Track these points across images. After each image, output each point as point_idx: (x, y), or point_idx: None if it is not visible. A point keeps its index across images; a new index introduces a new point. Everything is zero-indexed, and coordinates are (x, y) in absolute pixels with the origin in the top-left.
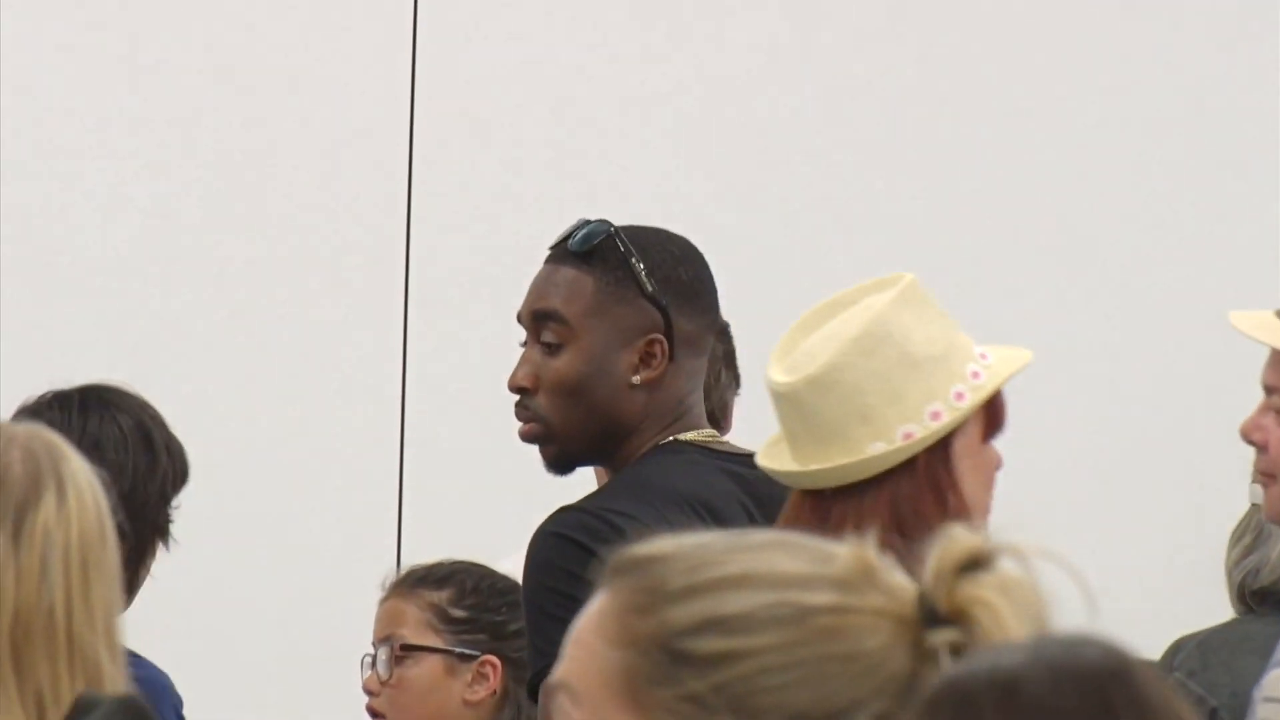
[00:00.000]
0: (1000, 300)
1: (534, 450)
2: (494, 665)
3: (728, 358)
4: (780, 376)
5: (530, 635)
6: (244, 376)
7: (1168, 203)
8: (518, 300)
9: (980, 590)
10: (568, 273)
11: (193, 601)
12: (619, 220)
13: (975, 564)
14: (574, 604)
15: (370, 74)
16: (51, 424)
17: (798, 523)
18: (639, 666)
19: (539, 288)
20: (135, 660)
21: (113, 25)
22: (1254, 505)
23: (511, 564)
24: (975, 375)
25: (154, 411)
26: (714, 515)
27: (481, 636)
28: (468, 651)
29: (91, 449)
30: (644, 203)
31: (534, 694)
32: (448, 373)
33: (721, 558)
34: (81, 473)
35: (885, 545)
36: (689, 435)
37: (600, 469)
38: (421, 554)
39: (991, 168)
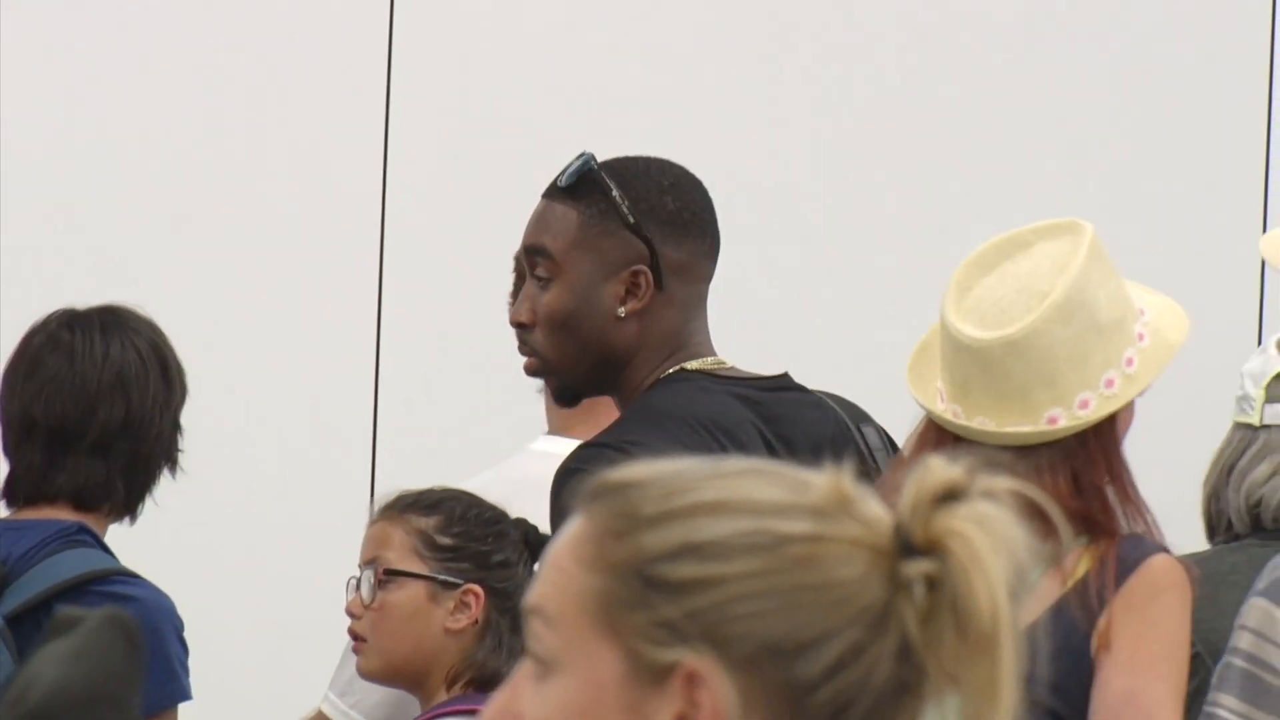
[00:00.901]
0: None
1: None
2: (476, 595)
3: None
4: (970, 329)
5: None
6: (223, 318)
7: (1151, 201)
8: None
9: (956, 522)
10: (556, 208)
11: (177, 528)
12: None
13: (952, 496)
14: None
15: (346, 56)
16: (71, 347)
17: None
18: (613, 591)
19: (532, 224)
20: (137, 581)
21: (99, 22)
22: (1251, 429)
23: (480, 483)
24: (1141, 337)
25: (164, 334)
26: (730, 438)
27: (466, 565)
28: (451, 579)
29: (114, 377)
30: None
31: None
32: (422, 293)
33: (697, 484)
34: None
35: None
36: (695, 364)
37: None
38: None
39: (987, 162)
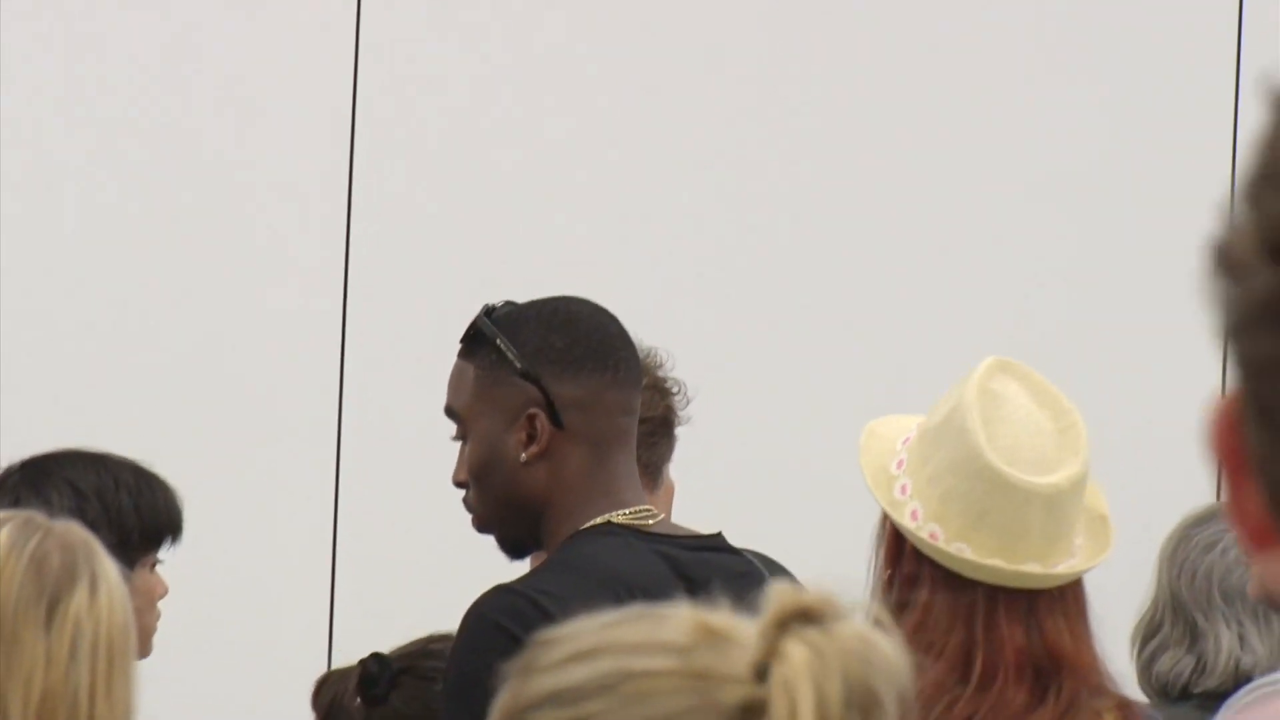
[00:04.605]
0: (959, 302)
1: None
2: None
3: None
4: (1039, 478)
5: (443, 714)
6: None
7: (1121, 209)
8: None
9: (787, 644)
10: (459, 365)
11: None
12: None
13: (800, 619)
14: (489, 694)
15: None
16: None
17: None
18: None
19: (447, 385)
20: None
21: (59, 36)
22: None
23: None
24: None
25: (83, 485)
26: (647, 598)
27: None
28: None
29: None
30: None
31: None
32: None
33: (583, 633)
34: (111, 570)
35: None
36: (622, 516)
37: None
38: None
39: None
